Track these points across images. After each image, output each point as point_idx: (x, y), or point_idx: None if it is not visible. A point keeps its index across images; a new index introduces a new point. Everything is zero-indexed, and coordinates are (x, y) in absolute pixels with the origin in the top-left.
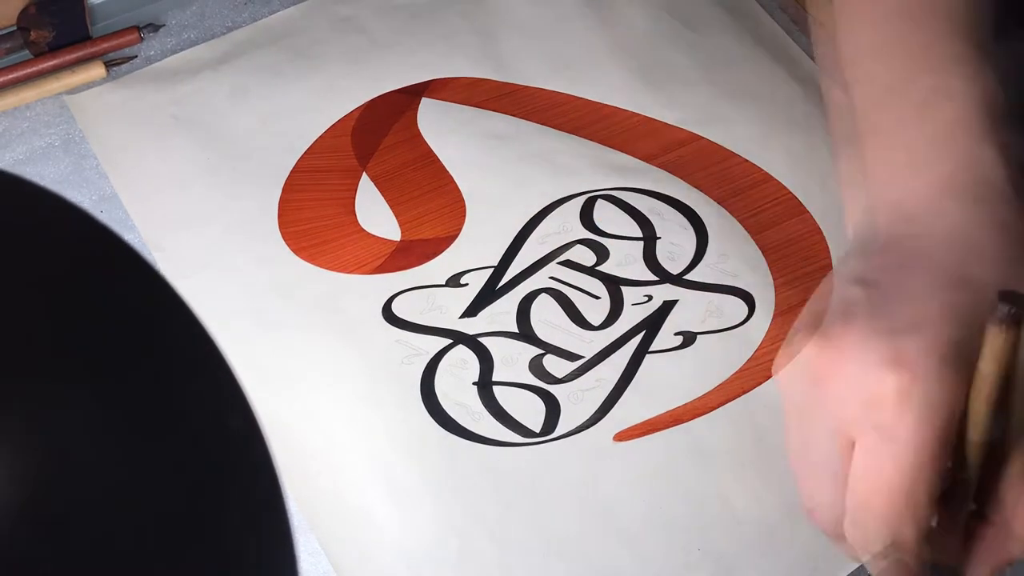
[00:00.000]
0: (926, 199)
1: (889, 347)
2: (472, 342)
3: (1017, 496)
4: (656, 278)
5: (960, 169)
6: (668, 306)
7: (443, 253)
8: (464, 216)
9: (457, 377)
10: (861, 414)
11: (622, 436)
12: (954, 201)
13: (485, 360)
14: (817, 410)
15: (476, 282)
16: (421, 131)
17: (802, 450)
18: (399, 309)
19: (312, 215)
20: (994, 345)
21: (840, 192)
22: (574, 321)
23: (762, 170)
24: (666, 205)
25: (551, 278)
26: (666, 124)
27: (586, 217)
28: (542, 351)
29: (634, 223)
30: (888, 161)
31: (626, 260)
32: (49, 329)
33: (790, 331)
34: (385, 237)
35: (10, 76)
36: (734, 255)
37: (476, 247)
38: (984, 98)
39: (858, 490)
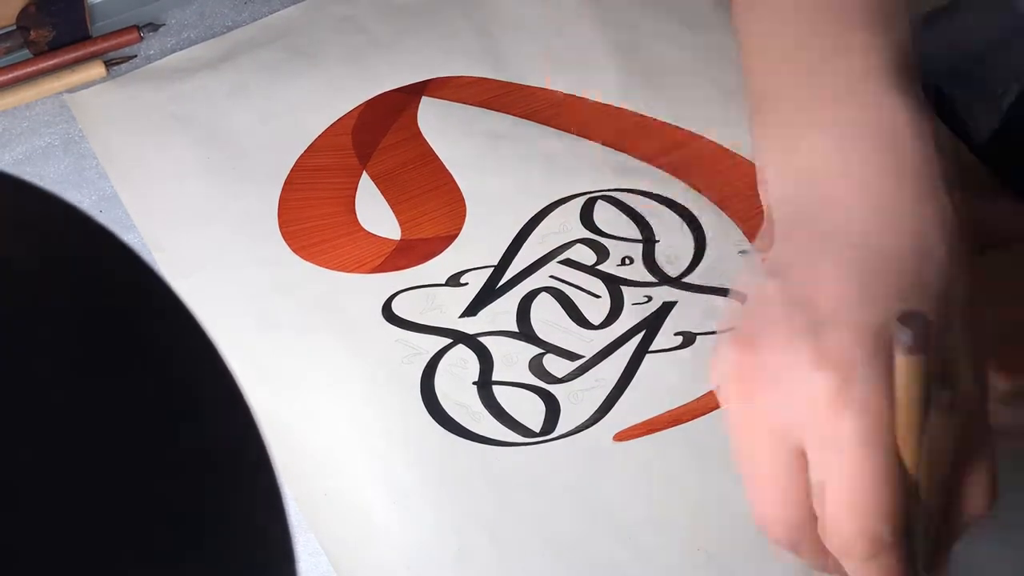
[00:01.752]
0: (830, 156)
1: (812, 346)
2: (472, 342)
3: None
4: (655, 280)
5: (865, 123)
6: (668, 307)
7: (443, 252)
8: (464, 215)
9: (457, 377)
10: (800, 420)
11: (622, 436)
12: (859, 159)
13: (485, 360)
14: (755, 419)
15: (476, 281)
16: (421, 130)
17: (745, 463)
18: (399, 308)
19: (312, 214)
20: (903, 372)
21: None
22: (574, 320)
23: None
24: (665, 207)
25: (551, 277)
26: (666, 124)
27: (586, 218)
28: (542, 351)
29: (633, 225)
30: (790, 123)
31: (625, 261)
32: (47, 329)
33: (717, 334)
34: (385, 236)
35: (10, 75)
36: (732, 258)
37: (476, 246)
38: (889, 49)
39: (824, 504)
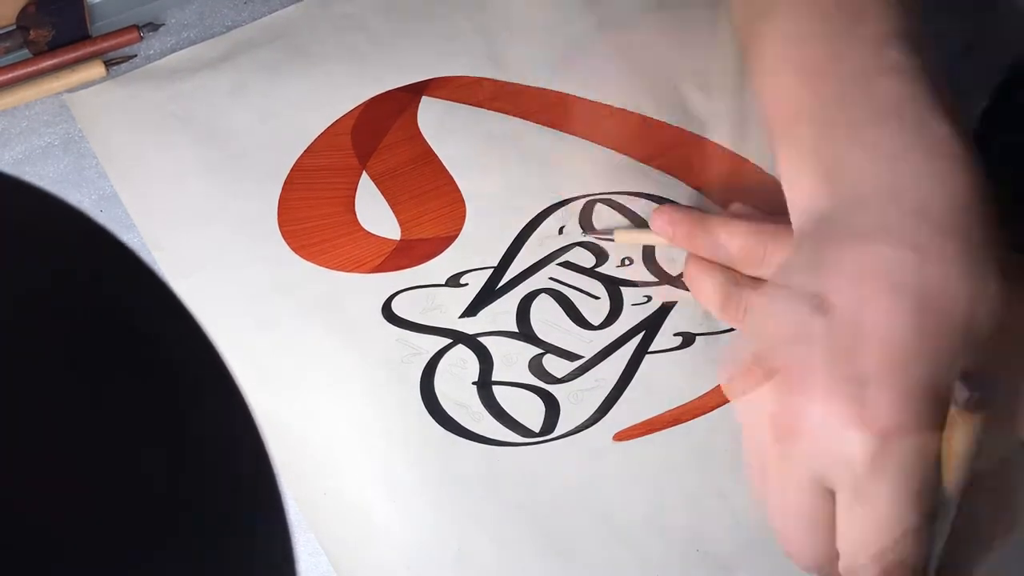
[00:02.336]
0: (877, 178)
1: (855, 402)
2: (472, 342)
3: None
4: (655, 280)
5: (914, 144)
6: (667, 307)
7: (443, 253)
8: (464, 216)
9: (457, 377)
10: (834, 471)
11: (622, 436)
12: (911, 180)
13: (485, 360)
14: (787, 457)
15: (476, 282)
16: (421, 130)
17: (776, 494)
18: (399, 308)
19: (312, 214)
20: (960, 427)
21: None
22: (574, 321)
23: (763, 171)
24: None
25: (551, 279)
26: (666, 124)
27: (585, 220)
28: (542, 351)
29: (633, 227)
30: (831, 141)
31: (625, 263)
32: (47, 329)
33: (743, 353)
34: (385, 236)
35: (9, 75)
36: None
37: (476, 247)
38: (924, 71)
39: (847, 543)
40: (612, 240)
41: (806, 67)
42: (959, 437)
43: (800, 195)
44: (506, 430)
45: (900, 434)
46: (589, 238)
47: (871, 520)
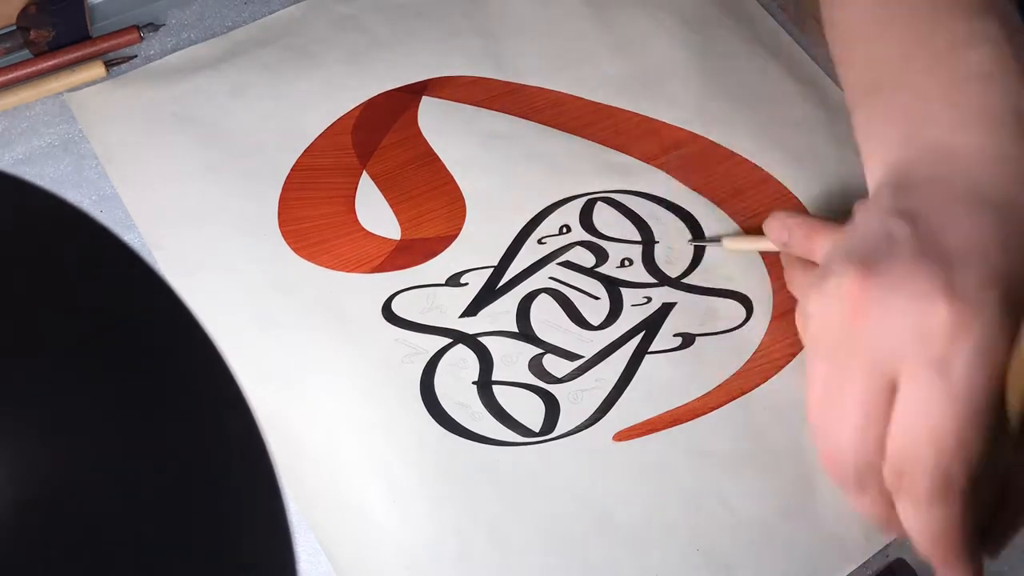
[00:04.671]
0: (966, 133)
1: (942, 276)
2: (472, 341)
3: None
4: (655, 281)
5: (1001, 103)
6: (667, 307)
7: (443, 252)
8: (464, 215)
9: (457, 376)
10: (909, 348)
11: (622, 436)
12: (997, 134)
13: (485, 359)
14: (854, 345)
15: (476, 282)
16: (421, 130)
17: (829, 393)
18: (399, 308)
19: (312, 214)
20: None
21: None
22: (574, 321)
23: (762, 170)
24: (664, 210)
25: (551, 278)
26: (666, 124)
27: (585, 219)
28: (542, 351)
29: (633, 227)
30: (921, 103)
31: (625, 263)
32: (47, 329)
33: (819, 268)
34: (385, 236)
35: (10, 76)
36: (731, 259)
37: (476, 247)
38: (1013, 39)
39: (904, 434)
40: (720, 245)
41: (891, 42)
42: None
43: (886, 151)
44: (506, 430)
45: (986, 309)
46: (696, 244)
47: (939, 399)
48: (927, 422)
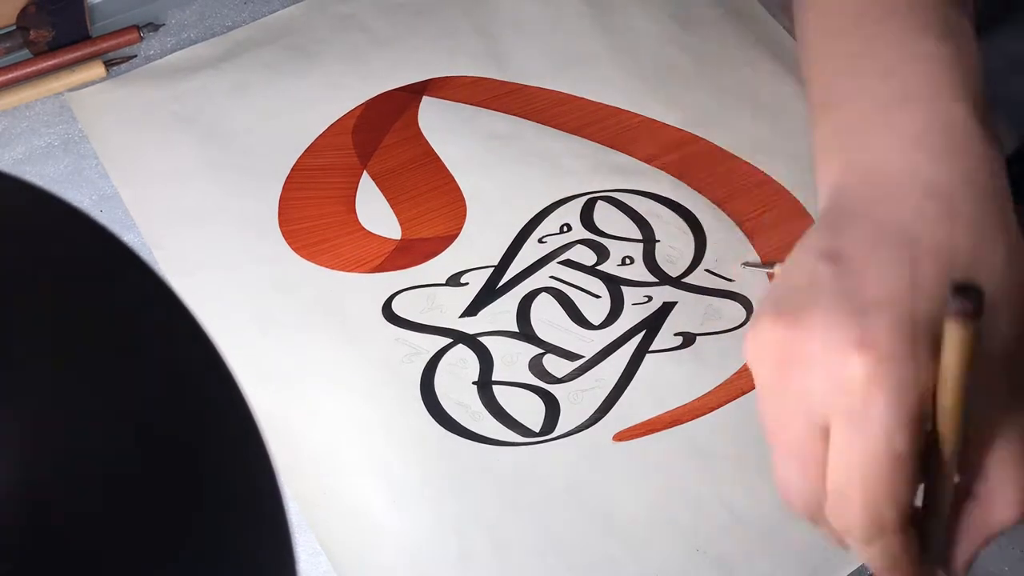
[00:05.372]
0: (897, 158)
1: (855, 327)
2: (472, 341)
3: (999, 476)
4: (656, 280)
5: (932, 126)
6: (668, 307)
7: (443, 252)
8: (464, 215)
9: (457, 376)
10: (831, 399)
11: (622, 436)
12: (926, 158)
13: (485, 359)
14: (785, 393)
15: (476, 281)
16: (422, 130)
17: (775, 433)
18: (399, 308)
19: (312, 213)
20: (952, 339)
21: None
22: (574, 320)
23: (762, 171)
24: (665, 208)
25: (551, 277)
26: (666, 125)
27: (586, 218)
28: (542, 351)
29: (634, 225)
30: (863, 123)
31: (626, 261)
32: (48, 329)
33: (756, 308)
34: (385, 236)
35: (10, 76)
36: (732, 259)
37: (476, 246)
38: (956, 59)
39: (835, 478)
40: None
41: (840, 59)
42: (951, 347)
43: (829, 173)
44: (506, 430)
45: (898, 357)
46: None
47: (861, 447)
48: (854, 470)
